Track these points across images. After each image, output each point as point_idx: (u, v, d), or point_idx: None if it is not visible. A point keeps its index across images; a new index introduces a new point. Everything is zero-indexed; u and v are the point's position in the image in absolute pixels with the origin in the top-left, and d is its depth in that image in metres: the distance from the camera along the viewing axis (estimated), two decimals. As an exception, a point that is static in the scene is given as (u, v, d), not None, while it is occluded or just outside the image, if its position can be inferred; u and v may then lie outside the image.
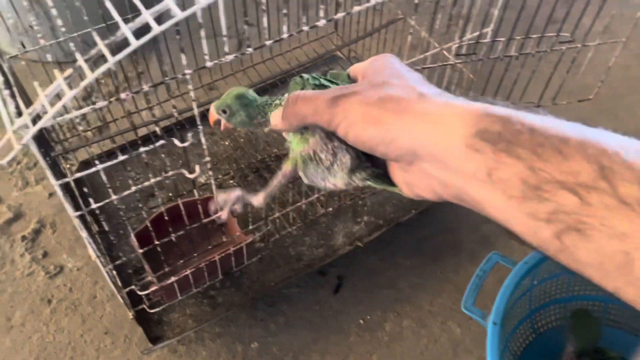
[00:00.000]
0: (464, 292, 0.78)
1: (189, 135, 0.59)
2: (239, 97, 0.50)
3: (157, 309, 0.86)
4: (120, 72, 1.14)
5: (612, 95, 1.29)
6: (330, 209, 0.99)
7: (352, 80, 0.45)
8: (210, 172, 0.65)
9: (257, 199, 0.59)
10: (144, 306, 0.84)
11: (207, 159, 0.63)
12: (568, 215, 0.28)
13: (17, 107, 0.47)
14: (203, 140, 0.60)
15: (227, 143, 1.10)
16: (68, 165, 1.05)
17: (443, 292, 1.00)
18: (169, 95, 1.07)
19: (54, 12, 0.55)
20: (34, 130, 0.44)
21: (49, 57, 1.06)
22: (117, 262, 0.72)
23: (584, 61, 0.88)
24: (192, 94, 0.54)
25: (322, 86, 0.45)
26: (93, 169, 0.56)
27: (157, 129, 0.55)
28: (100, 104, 0.51)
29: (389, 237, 0.99)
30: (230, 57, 0.51)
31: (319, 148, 0.44)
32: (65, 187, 0.55)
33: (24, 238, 1.04)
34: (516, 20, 0.77)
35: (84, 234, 0.65)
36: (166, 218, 0.70)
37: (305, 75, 0.46)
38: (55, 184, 0.54)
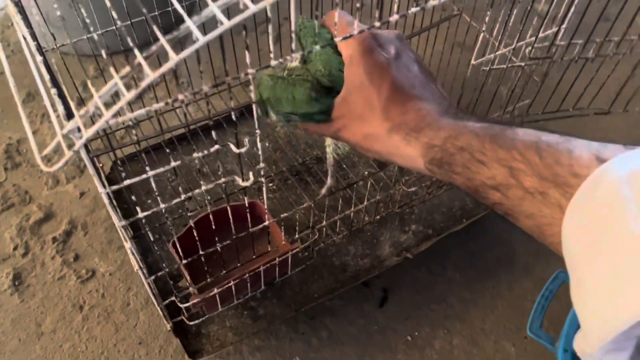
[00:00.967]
0: (518, 309, 0.72)
1: (246, 140, 0.54)
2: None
3: (196, 321, 0.81)
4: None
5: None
6: (378, 217, 0.93)
7: (329, 32, 0.52)
8: (263, 179, 0.60)
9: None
10: (183, 317, 0.79)
11: (262, 164, 0.57)
12: (501, 206, 0.40)
13: (67, 107, 0.42)
14: (259, 145, 0.54)
15: (266, 144, 1.05)
16: (101, 164, 1.01)
17: (496, 309, 0.94)
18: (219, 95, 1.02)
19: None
20: (88, 134, 0.39)
21: (85, 50, 1.01)
22: (160, 274, 0.67)
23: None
24: (252, 95, 0.48)
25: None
26: (144, 176, 0.51)
27: (213, 133, 0.50)
28: (156, 105, 0.45)
29: (437, 248, 0.93)
30: (296, 56, 0.45)
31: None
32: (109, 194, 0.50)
33: (54, 240, 1.00)
34: (597, 20, 0.70)
35: (127, 244, 0.60)
36: (213, 225, 0.65)
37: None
38: (103, 192, 0.49)
